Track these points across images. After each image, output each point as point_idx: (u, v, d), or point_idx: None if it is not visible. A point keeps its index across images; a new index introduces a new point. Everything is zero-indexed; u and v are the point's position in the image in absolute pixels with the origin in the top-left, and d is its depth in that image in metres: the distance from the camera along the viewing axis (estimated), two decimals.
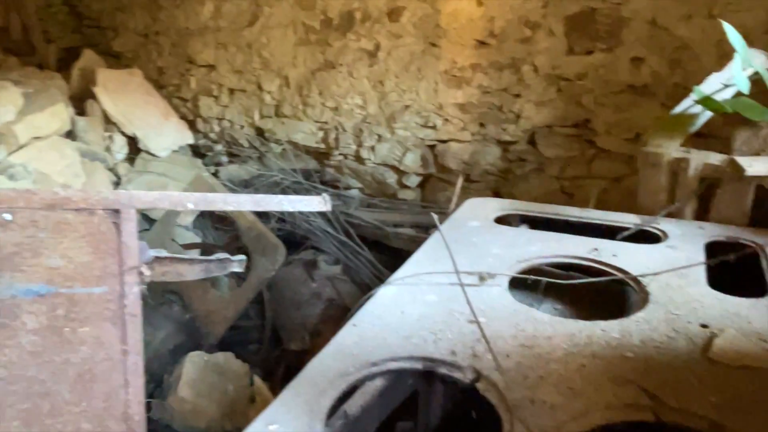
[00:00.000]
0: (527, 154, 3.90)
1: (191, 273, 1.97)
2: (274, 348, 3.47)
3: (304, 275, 3.59)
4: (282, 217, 4.07)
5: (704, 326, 1.66)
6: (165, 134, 4.42)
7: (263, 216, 4.02)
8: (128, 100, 4.36)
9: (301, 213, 4.03)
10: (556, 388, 1.41)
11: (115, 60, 5.12)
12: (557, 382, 1.44)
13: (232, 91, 4.71)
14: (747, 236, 2.21)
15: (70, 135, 4.02)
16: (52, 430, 1.60)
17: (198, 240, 4.06)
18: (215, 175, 4.59)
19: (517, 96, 3.83)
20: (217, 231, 4.29)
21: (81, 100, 4.40)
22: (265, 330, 3.56)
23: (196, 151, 4.92)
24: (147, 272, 1.78)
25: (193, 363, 3.00)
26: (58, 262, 1.64)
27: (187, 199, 1.84)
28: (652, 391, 1.39)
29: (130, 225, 1.73)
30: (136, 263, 1.75)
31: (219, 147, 4.87)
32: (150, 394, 3.07)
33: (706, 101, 2.27)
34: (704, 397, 1.38)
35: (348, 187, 4.48)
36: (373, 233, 3.93)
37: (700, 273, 1.95)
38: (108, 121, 4.30)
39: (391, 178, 4.33)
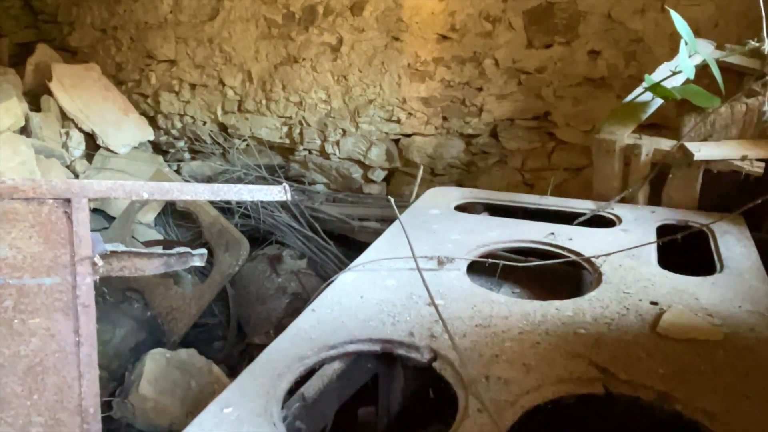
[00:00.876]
0: (490, 147, 3.95)
1: (150, 267, 1.93)
2: (239, 343, 3.44)
3: (269, 270, 3.56)
4: (246, 213, 4.03)
5: (654, 303, 1.71)
6: (124, 130, 4.33)
7: (227, 212, 3.98)
8: (85, 95, 4.25)
9: (265, 208, 4.00)
10: (511, 365, 1.44)
11: (72, 56, 4.99)
12: (512, 359, 1.46)
13: (193, 86, 4.64)
14: (696, 219, 2.28)
15: (25, 131, 3.90)
16: (1, 424, 1.56)
17: (160, 238, 3.98)
18: (177, 171, 4.52)
19: (479, 89, 3.88)
20: (179, 228, 4.22)
21: (36, 96, 4.27)
22: (230, 326, 3.53)
23: (158, 148, 4.83)
24: (100, 263, 1.74)
25: (155, 360, 2.94)
26: (6, 252, 1.60)
27: (141, 188, 1.81)
28: (603, 364, 1.43)
29: (82, 215, 1.69)
30: (88, 254, 1.71)
31: (181, 143, 4.80)
32: (111, 393, 3.01)
33: (656, 88, 2.34)
34: (652, 369, 1.42)
35: (313, 183, 4.47)
36: (338, 227, 3.92)
37: (651, 254, 2.01)
38: (65, 117, 4.18)
39: (357, 172, 4.33)
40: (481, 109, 3.89)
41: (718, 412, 1.28)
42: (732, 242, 2.10)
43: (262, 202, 4.03)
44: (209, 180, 4.48)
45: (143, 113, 4.75)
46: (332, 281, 1.89)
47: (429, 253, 2.02)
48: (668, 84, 2.37)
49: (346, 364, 1.56)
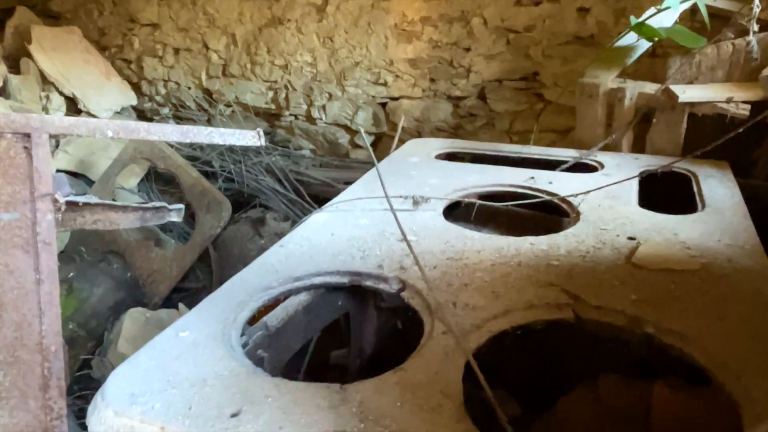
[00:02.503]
0: (477, 109, 3.88)
1: (125, 221, 1.87)
2: None
3: (252, 232, 3.50)
4: (230, 177, 3.97)
5: (631, 239, 1.67)
6: (106, 94, 4.25)
7: (210, 176, 3.92)
8: (66, 58, 4.17)
9: (249, 172, 3.94)
10: (480, 293, 1.39)
11: (54, 21, 4.88)
12: (481, 288, 1.42)
13: (177, 50, 4.55)
14: (680, 165, 2.22)
15: (3, 93, 3.83)
16: None
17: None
18: None
19: (467, 50, 3.80)
20: (163, 195, 4.16)
21: (16, 59, 4.19)
22: (212, 288, 3.48)
23: (143, 115, 4.75)
24: (61, 200, 1.69)
25: (133, 319, 2.90)
26: None
27: (106, 126, 1.74)
28: (574, 292, 1.39)
29: (43, 150, 1.63)
30: (49, 190, 1.65)
31: (165, 110, 4.72)
32: (90, 352, 2.98)
33: (641, 27, 2.27)
34: (625, 296, 1.37)
35: (299, 148, 4.40)
36: (323, 191, 3.86)
37: (632, 195, 1.97)
38: (45, 81, 4.10)
39: (343, 138, 4.26)
40: (469, 70, 3.81)
41: (691, 334, 1.24)
42: (715, 184, 2.05)
43: (246, 165, 3.97)
44: (193, 146, 4.40)
45: (127, 79, 4.66)
46: (304, 221, 1.84)
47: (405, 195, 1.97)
48: (653, 22, 2.30)
49: (313, 297, 1.51)
